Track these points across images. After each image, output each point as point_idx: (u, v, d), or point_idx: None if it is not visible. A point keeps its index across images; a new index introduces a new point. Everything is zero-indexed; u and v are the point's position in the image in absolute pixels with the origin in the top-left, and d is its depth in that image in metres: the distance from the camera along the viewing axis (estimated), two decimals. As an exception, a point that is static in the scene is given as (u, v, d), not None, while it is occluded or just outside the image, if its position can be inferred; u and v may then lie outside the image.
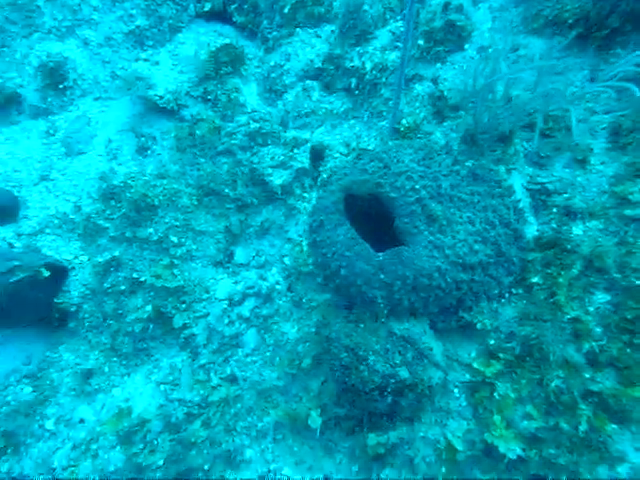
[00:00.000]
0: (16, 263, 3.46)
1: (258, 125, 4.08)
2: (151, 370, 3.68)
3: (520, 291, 2.92)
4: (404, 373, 2.70)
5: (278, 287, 3.78)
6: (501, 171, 3.09)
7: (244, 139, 4.06)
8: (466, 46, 3.64)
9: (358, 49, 3.95)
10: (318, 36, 4.12)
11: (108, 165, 4.15)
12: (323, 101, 4.07)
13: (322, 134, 4.07)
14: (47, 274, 3.55)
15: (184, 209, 3.99)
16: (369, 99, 3.94)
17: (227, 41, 4.19)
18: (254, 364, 3.57)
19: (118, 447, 3.31)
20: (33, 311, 3.65)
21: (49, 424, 3.49)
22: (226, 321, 3.73)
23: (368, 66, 3.88)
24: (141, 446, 3.27)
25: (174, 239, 3.90)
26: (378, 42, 3.92)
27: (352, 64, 3.95)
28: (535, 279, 2.88)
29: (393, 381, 2.69)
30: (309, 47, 4.10)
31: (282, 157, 4.04)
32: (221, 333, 3.67)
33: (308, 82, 4.11)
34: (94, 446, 3.34)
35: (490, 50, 3.39)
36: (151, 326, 3.73)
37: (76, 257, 3.95)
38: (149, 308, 3.72)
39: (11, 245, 3.80)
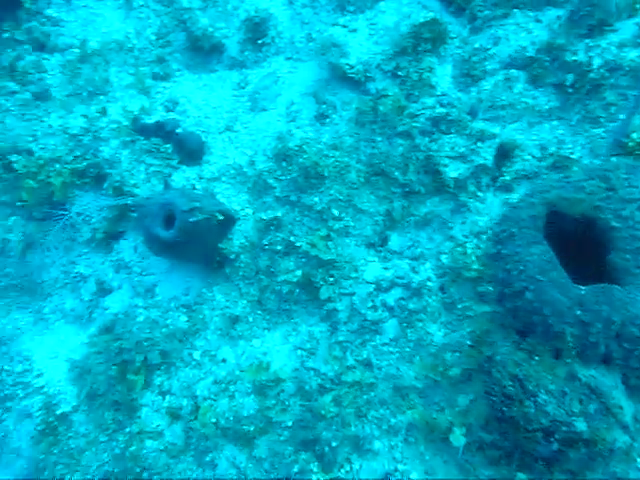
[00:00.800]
0: (197, 205, 3.74)
1: (445, 110, 3.81)
2: (290, 332, 3.82)
3: None
4: (581, 425, 2.38)
5: (430, 284, 3.60)
6: None
7: (426, 123, 3.83)
8: None
9: (587, 41, 3.40)
10: (538, 20, 3.64)
11: (286, 126, 4.25)
12: (526, 95, 3.63)
13: (515, 131, 3.67)
14: (221, 219, 3.81)
15: (350, 184, 3.95)
16: (585, 101, 3.41)
17: (431, 15, 3.91)
18: (391, 355, 3.49)
19: (253, 396, 3.53)
20: (201, 250, 3.98)
21: (196, 354, 3.84)
22: (369, 304, 3.68)
23: (596, 63, 3.33)
24: (274, 402, 3.44)
25: (335, 212, 3.91)
26: (616, 36, 3.32)
27: (575, 58, 3.43)
28: None
29: (565, 429, 2.39)
30: (524, 32, 3.65)
31: (463, 149, 3.75)
32: (363, 315, 3.64)
33: (513, 71, 3.68)
34: (232, 387, 3.60)
35: None
36: (297, 291, 3.84)
37: (242, 209, 4.18)
38: (299, 273, 3.82)
39: (193, 187, 4.14)
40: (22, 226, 4.40)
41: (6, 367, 3.87)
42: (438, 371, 3.09)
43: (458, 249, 3.56)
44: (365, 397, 3.23)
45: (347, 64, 4.03)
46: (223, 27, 4.44)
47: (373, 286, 3.73)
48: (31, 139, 4.16)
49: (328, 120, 4.15)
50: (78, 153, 4.19)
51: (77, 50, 4.40)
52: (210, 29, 4.35)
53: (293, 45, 4.42)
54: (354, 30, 4.13)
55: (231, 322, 3.90)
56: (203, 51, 4.47)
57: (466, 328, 3.22)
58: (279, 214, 4.01)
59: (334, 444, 3.07)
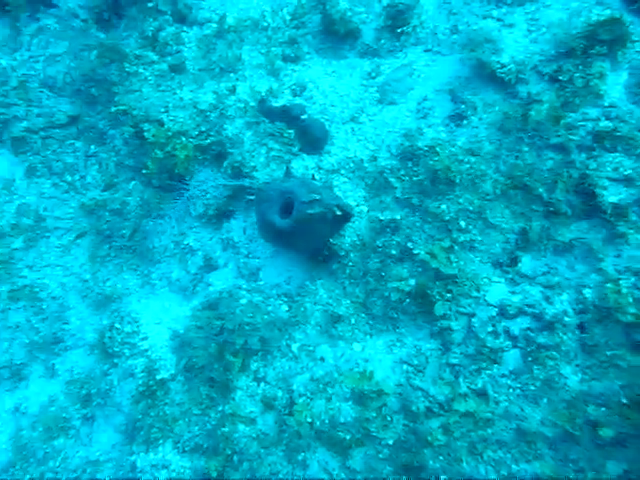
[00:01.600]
0: (316, 197, 3.59)
1: (612, 125, 3.32)
2: (394, 342, 3.59)
3: None
4: None
5: (566, 319, 3.19)
6: None
7: (587, 137, 3.37)
8: None
9: None
10: None
11: (416, 124, 3.97)
12: None
13: (702, 158, 3.10)
14: (338, 214, 3.63)
15: (483, 195, 3.59)
16: None
17: (608, 12, 3.40)
18: (510, 390, 3.15)
19: (351, 402, 3.36)
20: (311, 242, 3.85)
21: (294, 347, 3.74)
22: (490, 329, 3.34)
23: None
24: (374, 414, 3.25)
25: (462, 223, 3.59)
26: None
27: None
28: None
29: None
30: None
31: (630, 171, 3.25)
32: (481, 340, 3.31)
33: None
34: (330, 390, 3.46)
35: None
36: (407, 300, 3.59)
37: (357, 205, 3.98)
38: (412, 282, 3.57)
39: (313, 177, 4.01)
40: (140, 191, 4.56)
41: (117, 325, 4.04)
42: (576, 423, 2.71)
43: (609, 285, 3.10)
44: (480, 433, 2.93)
45: (498, 62, 3.64)
46: (362, 12, 4.21)
47: (496, 310, 3.38)
48: (163, 110, 4.25)
49: (465, 122, 3.80)
50: (203, 129, 4.22)
51: (214, 25, 4.41)
52: (349, 13, 4.14)
53: (435, 36, 4.08)
54: (510, 25, 3.72)
55: (332, 320, 3.75)
56: (337, 36, 4.28)
57: (614, 380, 2.79)
58: (397, 216, 3.77)
59: (443, 478, 2.82)
